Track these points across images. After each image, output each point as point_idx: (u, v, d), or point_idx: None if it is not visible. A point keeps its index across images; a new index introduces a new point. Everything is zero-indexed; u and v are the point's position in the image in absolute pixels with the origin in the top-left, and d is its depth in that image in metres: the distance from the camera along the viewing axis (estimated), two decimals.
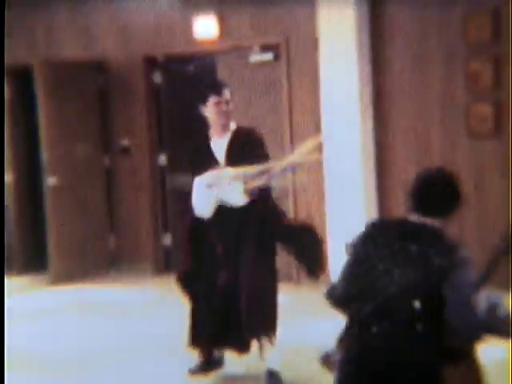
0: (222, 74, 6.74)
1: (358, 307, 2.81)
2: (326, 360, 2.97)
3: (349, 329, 2.85)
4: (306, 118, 6.45)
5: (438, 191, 2.81)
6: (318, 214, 6.42)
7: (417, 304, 2.71)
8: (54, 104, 7.03)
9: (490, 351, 4.39)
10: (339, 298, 2.91)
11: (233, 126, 4.24)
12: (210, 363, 4.38)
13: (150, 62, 7.22)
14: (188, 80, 7.13)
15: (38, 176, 7.26)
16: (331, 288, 2.99)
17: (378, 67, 6.09)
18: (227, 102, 4.15)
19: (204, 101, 4.15)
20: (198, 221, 4.18)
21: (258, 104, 6.69)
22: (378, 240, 2.81)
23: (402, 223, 2.86)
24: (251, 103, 6.71)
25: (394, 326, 2.74)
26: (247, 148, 4.13)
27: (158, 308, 6.04)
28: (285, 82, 6.52)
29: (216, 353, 4.37)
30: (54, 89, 7.03)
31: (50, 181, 7.00)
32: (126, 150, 7.44)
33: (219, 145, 4.21)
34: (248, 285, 4.11)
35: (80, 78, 7.24)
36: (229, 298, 4.12)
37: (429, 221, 2.82)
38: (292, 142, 6.52)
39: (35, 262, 7.49)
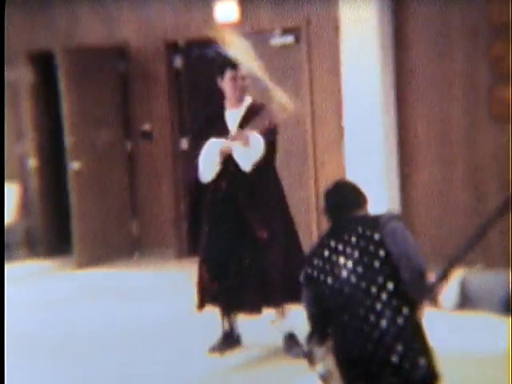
0: None
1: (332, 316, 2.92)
2: (309, 356, 3.08)
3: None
4: (327, 102, 6.44)
5: (346, 193, 3.09)
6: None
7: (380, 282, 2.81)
8: (76, 89, 7.08)
9: (489, 343, 4.40)
10: (315, 325, 3.04)
11: (248, 99, 4.45)
12: (228, 340, 4.51)
13: (171, 47, 7.23)
14: (208, 64, 7.13)
15: (61, 161, 7.33)
16: (309, 334, 3.12)
17: (401, 50, 6.05)
18: (243, 78, 4.38)
19: (221, 74, 4.39)
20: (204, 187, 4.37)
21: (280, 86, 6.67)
22: (317, 253, 2.98)
23: (331, 227, 3.05)
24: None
25: (361, 315, 2.82)
26: (258, 119, 4.31)
27: (180, 292, 6.09)
28: (306, 65, 6.51)
29: (235, 329, 4.51)
30: (76, 75, 7.07)
31: (73, 166, 7.06)
32: (147, 135, 7.47)
33: (232, 115, 4.42)
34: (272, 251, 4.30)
35: (102, 64, 7.28)
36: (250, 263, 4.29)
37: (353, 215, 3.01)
38: (313, 124, 6.52)
39: (60, 246, 7.58)
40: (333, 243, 2.93)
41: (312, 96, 6.47)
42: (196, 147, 4.50)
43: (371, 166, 6.11)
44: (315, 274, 2.93)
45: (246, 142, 4.23)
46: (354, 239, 2.88)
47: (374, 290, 2.80)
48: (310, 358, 3.07)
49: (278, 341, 4.48)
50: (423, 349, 2.80)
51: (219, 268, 4.36)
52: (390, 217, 2.97)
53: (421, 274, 2.84)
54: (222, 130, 4.36)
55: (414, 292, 2.85)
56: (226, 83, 4.39)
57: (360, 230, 2.89)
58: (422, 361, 2.76)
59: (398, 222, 2.94)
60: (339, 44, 6.16)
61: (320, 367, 3.04)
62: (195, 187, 4.56)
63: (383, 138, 6.08)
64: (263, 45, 6.69)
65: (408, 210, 6.17)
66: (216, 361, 4.41)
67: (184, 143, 7.33)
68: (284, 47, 6.62)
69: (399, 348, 2.75)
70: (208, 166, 4.32)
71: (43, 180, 7.64)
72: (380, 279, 2.81)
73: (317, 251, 2.99)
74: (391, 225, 2.88)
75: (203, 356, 4.50)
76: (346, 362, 2.87)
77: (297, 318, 4.43)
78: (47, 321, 5.42)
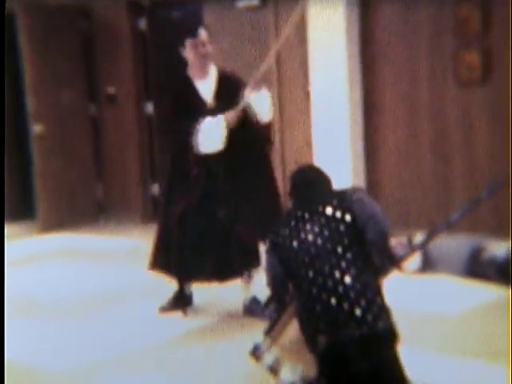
0: (208, 19, 6.65)
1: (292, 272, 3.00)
2: (254, 352, 3.14)
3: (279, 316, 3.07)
4: (293, 65, 6.40)
5: (306, 175, 3.18)
6: (307, 162, 6.41)
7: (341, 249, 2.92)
8: (38, 50, 6.93)
9: (477, 294, 4.48)
10: (275, 289, 3.14)
11: (213, 68, 4.31)
12: (180, 299, 4.52)
13: (135, 8, 7.11)
14: (173, 26, 7.03)
15: (24, 124, 7.20)
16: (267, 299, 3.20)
17: (366, 16, 6.02)
18: (204, 44, 4.20)
19: (182, 43, 4.23)
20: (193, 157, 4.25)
21: (246, 50, 6.61)
22: (281, 225, 3.07)
23: (295, 203, 3.14)
24: (238, 49, 6.63)
25: (325, 272, 2.90)
26: (232, 90, 4.21)
27: (145, 256, 6.08)
28: (272, 28, 6.44)
29: (186, 288, 4.53)
30: (37, 35, 6.92)
31: (36, 129, 6.95)
32: (112, 98, 7.38)
33: (203, 86, 4.28)
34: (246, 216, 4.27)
35: (64, 24, 7.13)
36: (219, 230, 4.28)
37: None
38: (280, 89, 6.48)
39: (23, 210, 7.49)
40: (299, 213, 3.03)
41: (278, 59, 6.42)
42: (165, 115, 4.43)
43: (337, 133, 6.12)
44: (280, 240, 3.03)
45: (258, 86, 4.12)
46: (320, 208, 2.99)
47: (339, 250, 2.91)
48: (256, 351, 3.14)
49: (236, 303, 4.50)
50: (384, 307, 2.91)
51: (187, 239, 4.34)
52: (357, 188, 3.16)
53: (385, 236, 2.97)
54: (196, 102, 4.24)
55: (378, 252, 2.97)
56: (187, 52, 4.23)
57: (327, 199, 3.01)
58: (384, 316, 2.87)
59: (364, 193, 3.10)
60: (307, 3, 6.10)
61: (268, 359, 3.11)
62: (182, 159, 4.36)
63: (349, 103, 6.08)
64: (229, 7, 6.60)
65: (374, 175, 6.20)
66: (178, 323, 4.41)
67: (149, 107, 7.25)
68: (250, 9, 6.53)
69: (362, 302, 2.84)
70: (213, 140, 4.18)
71: (5, 143, 7.51)
72: (345, 241, 2.92)
73: (283, 222, 3.09)
74: (358, 194, 3.04)
75: (167, 319, 4.50)
76: (310, 319, 2.92)
77: (259, 282, 4.48)
78: (11, 284, 5.38)
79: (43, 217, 7.09)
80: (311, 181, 3.15)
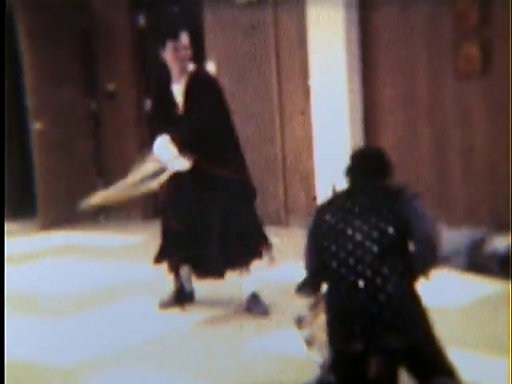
0: (207, 15, 6.64)
1: (328, 261, 2.94)
2: (298, 322, 3.19)
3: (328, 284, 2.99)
4: (293, 60, 6.39)
5: (373, 159, 3.10)
6: (306, 156, 6.41)
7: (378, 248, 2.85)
8: (37, 47, 6.93)
9: (478, 287, 4.48)
10: (311, 277, 3.10)
11: (191, 67, 4.26)
12: (181, 296, 4.53)
13: (134, 4, 7.10)
14: (173, 22, 7.01)
15: (23, 122, 7.20)
16: (300, 285, 3.18)
17: (365, 8, 6.01)
18: (185, 47, 4.17)
19: (162, 46, 4.18)
20: None
21: (245, 46, 6.60)
22: (329, 210, 3.00)
23: (349, 187, 3.08)
24: (237, 45, 6.62)
25: (369, 271, 2.85)
26: (203, 92, 4.17)
27: (145, 252, 6.08)
28: (271, 25, 6.43)
29: (187, 285, 4.53)
30: (36, 31, 6.91)
31: (35, 126, 6.94)
32: (111, 95, 7.37)
33: (177, 89, 4.25)
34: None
35: (63, 21, 7.12)
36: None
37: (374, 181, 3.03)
38: (279, 83, 6.47)
39: (24, 208, 7.49)
40: (349, 204, 2.94)
41: (277, 55, 6.41)
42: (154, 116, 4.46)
43: (337, 128, 6.11)
44: (324, 228, 2.94)
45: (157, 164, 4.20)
46: (372, 203, 2.90)
47: (383, 255, 2.82)
48: (300, 321, 3.16)
49: (238, 299, 4.50)
50: (423, 316, 2.88)
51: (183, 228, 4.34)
52: (414, 194, 2.97)
53: (434, 253, 2.91)
54: (172, 105, 4.23)
55: (422, 266, 2.91)
56: (167, 55, 4.17)
57: (381, 197, 2.91)
58: (420, 325, 2.84)
59: (421, 203, 2.95)
60: (306, 2, 6.09)
61: (306, 331, 3.14)
62: None
63: (349, 98, 6.07)
64: (228, 3, 6.59)
65: None
66: (178, 319, 4.41)
67: (149, 104, 7.23)
68: (250, 5, 6.52)
69: (403, 312, 2.81)
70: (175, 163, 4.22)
71: (4, 141, 7.51)
72: (391, 246, 2.84)
73: (330, 208, 2.99)
74: (415, 203, 2.92)
75: (168, 315, 4.50)
76: (344, 321, 2.90)
77: (259, 277, 4.48)
78: (11, 281, 5.37)
79: (43, 214, 7.09)
80: (370, 169, 3.02)
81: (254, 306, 4.40)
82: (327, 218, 2.96)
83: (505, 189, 5.59)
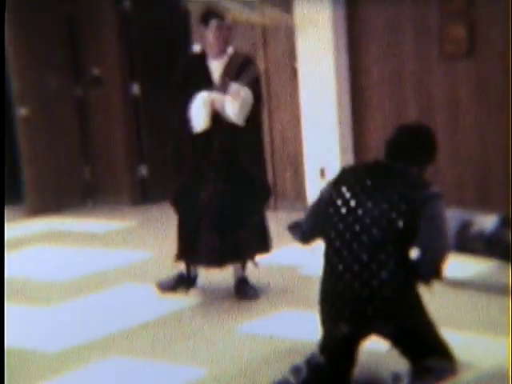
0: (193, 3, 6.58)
1: (329, 239, 2.92)
2: (293, 227, 3.15)
3: (325, 261, 2.97)
4: (280, 43, 6.36)
5: (415, 142, 2.95)
6: (294, 139, 6.41)
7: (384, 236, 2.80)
8: (22, 32, 6.84)
9: (464, 268, 4.51)
10: (302, 234, 3.11)
11: (230, 50, 4.37)
12: (186, 279, 4.52)
13: None
14: (159, 5, 6.97)
15: (9, 107, 7.14)
16: (294, 223, 3.17)
17: None
18: (229, 28, 4.30)
19: (205, 23, 4.30)
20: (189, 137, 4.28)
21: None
22: (348, 180, 2.92)
23: (375, 164, 2.99)
24: None
25: (367, 256, 2.82)
26: (242, 72, 4.27)
27: (134, 239, 6.08)
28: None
29: (193, 269, 4.52)
30: (21, 17, 6.84)
31: (21, 112, 6.89)
32: (97, 80, 7.32)
33: (215, 65, 4.34)
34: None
35: (48, 6, 7.04)
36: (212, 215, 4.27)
37: (403, 166, 2.92)
38: (266, 66, 6.45)
39: (10, 194, 7.44)
40: (369, 183, 2.87)
41: (265, 37, 6.39)
42: (154, 94, 4.42)
43: (325, 106, 6.11)
44: (338, 201, 2.89)
45: (237, 96, 4.18)
46: (391, 193, 2.81)
47: (384, 241, 2.79)
48: (293, 230, 3.15)
49: (229, 283, 4.52)
50: (416, 305, 2.86)
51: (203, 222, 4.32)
52: (435, 194, 2.84)
53: (436, 267, 2.86)
54: (205, 80, 4.28)
55: (423, 276, 2.89)
56: (210, 32, 4.27)
57: (403, 188, 2.81)
58: (411, 315, 2.83)
59: (440, 205, 2.84)
60: None
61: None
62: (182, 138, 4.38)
63: (336, 79, 6.06)
64: None
65: (360, 151, 6.20)
66: (168, 304, 4.42)
67: (135, 88, 7.20)
68: None
69: (394, 299, 2.79)
70: (198, 118, 4.22)
71: (4, 136, 7.45)
72: (396, 237, 2.79)
73: (349, 180, 2.92)
74: (433, 206, 2.80)
75: (158, 300, 4.51)
76: (334, 301, 2.89)
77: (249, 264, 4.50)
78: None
79: (30, 200, 7.05)
80: (411, 151, 2.89)
81: (245, 289, 4.42)
82: (343, 190, 2.89)
83: (492, 169, 5.63)
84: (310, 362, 2.98)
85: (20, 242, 6.16)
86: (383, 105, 6.06)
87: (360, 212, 2.84)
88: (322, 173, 6.14)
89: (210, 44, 4.32)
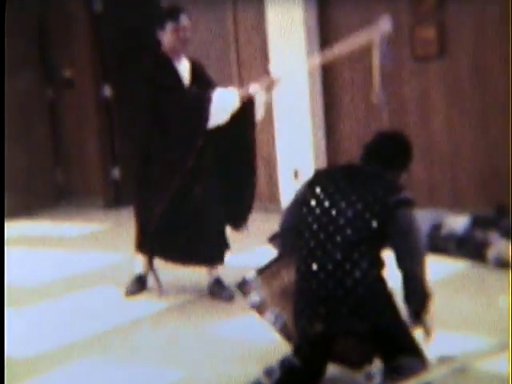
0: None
1: (303, 239, 2.93)
2: (241, 286, 3.19)
3: (299, 261, 2.95)
4: (253, 45, 6.37)
5: (392, 147, 3.04)
6: (267, 141, 6.42)
7: (357, 237, 2.84)
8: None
9: (437, 269, 4.55)
10: (282, 245, 3.15)
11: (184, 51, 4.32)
12: (142, 281, 4.56)
13: None
14: (129, 6, 6.94)
15: None
16: (273, 235, 3.22)
17: None
18: (185, 29, 4.22)
19: (162, 26, 4.21)
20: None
21: (205, 34, 6.56)
22: (322, 181, 2.97)
23: (350, 166, 3.07)
24: (197, 31, 6.57)
25: (341, 256, 2.84)
26: (203, 72, 4.35)
27: (107, 241, 6.04)
28: (230, 11, 6.39)
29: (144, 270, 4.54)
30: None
31: None
32: (69, 82, 7.27)
33: (183, 67, 4.30)
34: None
35: (17, 6, 6.97)
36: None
37: (379, 170, 2.98)
38: (239, 69, 6.45)
39: None
40: (342, 184, 2.90)
41: (237, 41, 6.39)
42: (124, 95, 4.39)
43: (297, 108, 6.13)
44: (312, 202, 2.92)
45: (271, 86, 4.22)
46: (365, 194, 2.84)
47: (360, 244, 2.82)
48: (243, 285, 3.15)
49: (202, 285, 4.52)
50: (388, 303, 2.88)
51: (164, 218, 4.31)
52: (408, 201, 2.88)
53: (417, 266, 2.90)
54: (175, 80, 4.24)
55: (410, 308, 2.93)
56: (166, 35, 4.21)
57: (377, 190, 2.85)
58: (384, 313, 2.85)
59: (411, 214, 2.87)
60: None
61: (254, 297, 3.13)
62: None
63: (308, 82, 6.09)
64: None
65: (333, 153, 6.23)
66: (142, 307, 4.40)
67: (107, 90, 7.16)
68: None
69: (368, 298, 2.82)
70: (224, 113, 4.12)
71: (4, 140, 7.35)
72: (370, 237, 2.82)
73: (323, 180, 2.96)
74: (405, 219, 2.83)
75: (131, 302, 4.49)
76: (309, 300, 2.90)
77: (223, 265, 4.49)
78: None
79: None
80: (386, 157, 2.96)
81: (219, 291, 4.41)
82: (317, 191, 2.93)
83: (463, 169, 5.68)
84: (284, 364, 2.99)
85: None
86: (355, 107, 6.09)
87: (334, 212, 2.87)
88: (296, 174, 6.16)
89: (168, 47, 4.24)
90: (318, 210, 2.91)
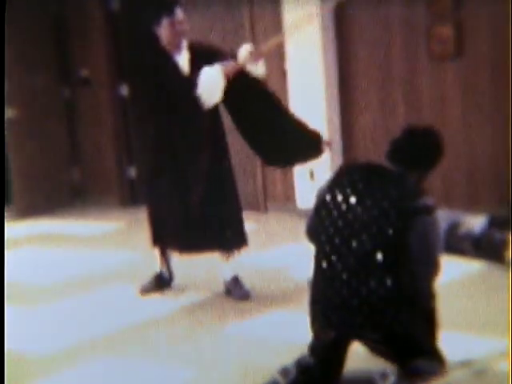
0: None
1: (320, 243, 2.89)
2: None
3: (316, 265, 2.93)
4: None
5: (420, 145, 2.87)
6: None
7: (377, 241, 2.76)
8: (8, 32, 6.79)
9: (452, 269, 4.52)
10: (306, 230, 3.05)
11: (185, 42, 4.29)
12: (161, 280, 4.55)
13: None
14: (147, 4, 6.93)
15: None
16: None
17: None
18: (181, 22, 4.21)
19: (157, 21, 4.21)
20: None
21: (219, 28, 6.57)
22: (341, 182, 2.87)
23: (370, 166, 2.94)
24: (212, 26, 6.58)
25: (356, 263, 2.79)
26: (207, 58, 4.22)
27: (123, 240, 6.06)
28: (246, 6, 6.39)
29: (165, 269, 4.55)
30: (8, 15, 6.77)
31: (8, 112, 6.86)
32: (85, 81, 7.29)
33: (179, 58, 4.27)
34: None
35: (35, 5, 7.01)
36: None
37: (402, 171, 2.87)
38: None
39: None
40: (360, 186, 2.80)
41: (254, 36, 6.38)
42: (139, 94, 4.40)
43: (314, 107, 6.11)
44: (330, 204, 2.83)
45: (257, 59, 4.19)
46: (380, 197, 2.73)
47: (376, 251, 2.73)
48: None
49: (218, 284, 4.51)
50: (405, 310, 2.80)
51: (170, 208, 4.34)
52: (427, 208, 2.76)
53: (426, 277, 2.84)
54: (175, 73, 4.24)
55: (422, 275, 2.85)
56: (164, 29, 4.21)
57: (395, 195, 2.73)
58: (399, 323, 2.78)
59: (431, 221, 2.76)
60: None
61: None
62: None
63: (324, 80, 6.07)
64: None
65: (349, 153, 6.21)
66: (157, 305, 4.41)
67: (123, 89, 7.17)
68: None
69: (380, 307, 2.76)
70: (215, 92, 4.13)
71: (4, 138, 7.40)
72: (385, 244, 2.73)
73: (342, 181, 2.85)
74: (424, 227, 2.73)
75: (148, 300, 4.49)
76: (323, 306, 2.87)
77: (240, 261, 4.48)
78: None
79: (18, 202, 7.02)
80: (412, 155, 2.80)
81: (235, 289, 4.41)
82: (336, 192, 2.83)
83: (480, 169, 5.64)
84: (300, 364, 2.97)
85: (8, 245, 6.12)
86: (372, 106, 6.07)
87: (350, 216, 2.79)
88: (312, 174, 6.14)
89: (166, 41, 4.23)
90: (335, 213, 2.83)
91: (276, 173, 6.50)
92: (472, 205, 5.53)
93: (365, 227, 2.76)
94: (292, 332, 3.72)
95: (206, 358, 3.63)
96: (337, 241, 2.82)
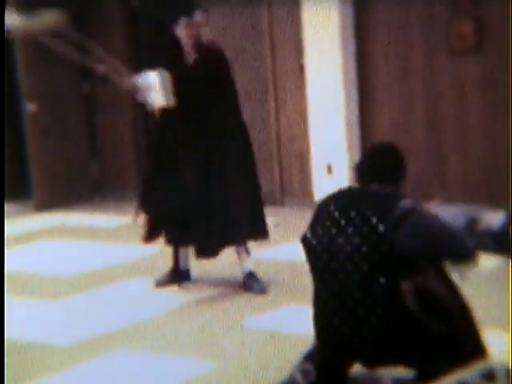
0: None
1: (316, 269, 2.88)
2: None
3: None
4: (286, 40, 6.36)
5: (385, 161, 2.89)
6: (301, 136, 6.41)
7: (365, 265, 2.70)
8: None
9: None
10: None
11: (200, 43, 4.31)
12: (177, 273, 4.56)
13: None
14: (166, 2, 6.95)
15: (17, 103, 7.17)
16: None
17: None
18: (199, 25, 4.23)
19: (175, 22, 4.25)
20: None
21: (239, 27, 6.57)
22: (321, 216, 2.85)
23: (345, 192, 2.91)
24: (232, 25, 6.59)
25: (348, 305, 2.76)
26: (212, 61, 4.26)
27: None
28: (265, 4, 6.39)
29: (183, 264, 4.55)
30: (28, 11, 6.84)
31: (29, 107, 6.92)
32: (104, 77, 7.31)
33: (189, 60, 4.32)
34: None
35: (54, 1, 7.04)
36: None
37: (377, 187, 2.84)
38: (273, 64, 6.45)
39: (18, 189, 7.46)
40: (337, 214, 2.76)
41: (272, 34, 6.38)
42: None
43: (332, 103, 6.11)
44: (314, 242, 2.81)
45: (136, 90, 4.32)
46: (358, 222, 2.69)
47: (372, 275, 2.66)
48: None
49: (236, 278, 4.53)
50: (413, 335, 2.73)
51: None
52: (407, 210, 2.70)
53: (464, 256, 2.85)
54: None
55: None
56: (180, 31, 4.25)
57: (369, 214, 2.68)
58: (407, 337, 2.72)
59: (416, 215, 2.71)
60: None
61: None
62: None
63: (343, 74, 6.06)
64: None
65: (367, 147, 6.20)
66: (175, 299, 4.43)
67: None
68: None
69: (385, 341, 2.70)
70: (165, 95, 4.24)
71: (4, 131, 7.46)
72: (374, 273, 2.65)
73: (321, 217, 2.82)
74: (411, 223, 2.68)
75: (164, 294, 4.52)
76: (323, 339, 2.88)
77: (257, 256, 4.49)
78: (7, 263, 5.38)
79: (38, 196, 7.08)
80: (375, 171, 2.80)
81: (252, 284, 4.43)
82: (317, 229, 2.79)
83: (499, 165, 5.61)
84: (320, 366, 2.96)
85: (28, 237, 6.18)
86: (391, 101, 6.05)
87: (341, 240, 2.73)
88: (329, 169, 6.14)
89: (183, 43, 4.28)
90: (326, 242, 2.78)
91: (293, 167, 6.50)
92: (491, 200, 5.50)
93: (348, 257, 2.70)
94: (309, 326, 3.72)
95: (224, 351, 3.65)
96: (326, 276, 2.78)
